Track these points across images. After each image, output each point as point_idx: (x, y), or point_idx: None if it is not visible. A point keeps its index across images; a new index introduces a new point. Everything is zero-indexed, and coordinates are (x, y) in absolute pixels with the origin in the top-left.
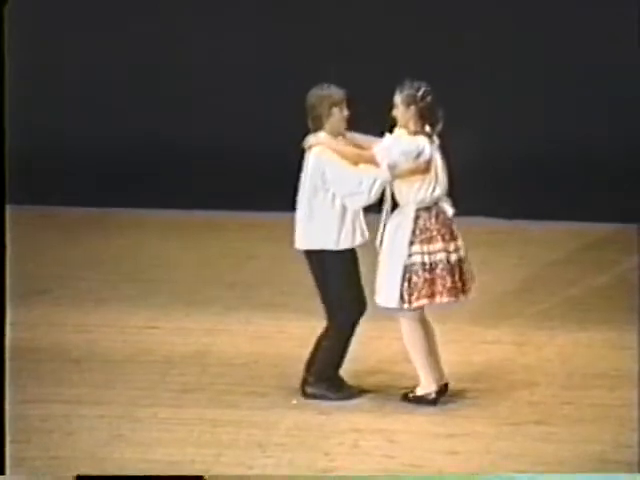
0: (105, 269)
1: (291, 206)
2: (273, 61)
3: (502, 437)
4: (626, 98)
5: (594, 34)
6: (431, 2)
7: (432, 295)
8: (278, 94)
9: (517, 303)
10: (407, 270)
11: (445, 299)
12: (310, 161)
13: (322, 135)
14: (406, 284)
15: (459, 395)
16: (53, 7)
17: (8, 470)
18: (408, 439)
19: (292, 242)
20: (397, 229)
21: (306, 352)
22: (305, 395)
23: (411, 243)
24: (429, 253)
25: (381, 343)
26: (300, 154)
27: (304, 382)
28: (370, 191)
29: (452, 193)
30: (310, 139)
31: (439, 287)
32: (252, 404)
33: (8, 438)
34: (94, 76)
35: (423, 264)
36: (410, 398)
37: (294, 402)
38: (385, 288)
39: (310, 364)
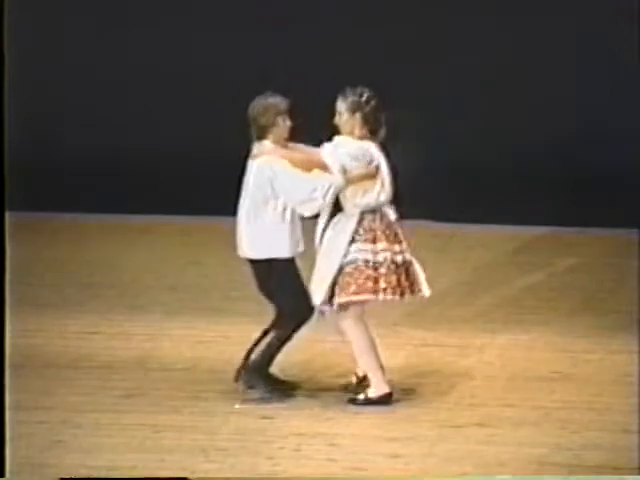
0: (45, 274)
1: (232, 211)
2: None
3: (444, 439)
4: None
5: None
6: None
7: (375, 292)
8: (214, 99)
9: (458, 306)
10: (344, 267)
11: (389, 297)
12: (258, 171)
13: (267, 144)
14: (341, 279)
15: (401, 398)
16: (54, 7)
17: (8, 474)
18: (350, 443)
19: (234, 247)
20: (339, 234)
21: None
22: (243, 382)
23: (354, 241)
24: (373, 252)
25: (325, 347)
26: (242, 158)
27: (239, 372)
28: (325, 197)
29: (394, 197)
30: (256, 149)
31: (382, 284)
32: (194, 409)
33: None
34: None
35: (366, 261)
36: (361, 400)
37: (237, 406)
38: (319, 287)
39: (249, 355)
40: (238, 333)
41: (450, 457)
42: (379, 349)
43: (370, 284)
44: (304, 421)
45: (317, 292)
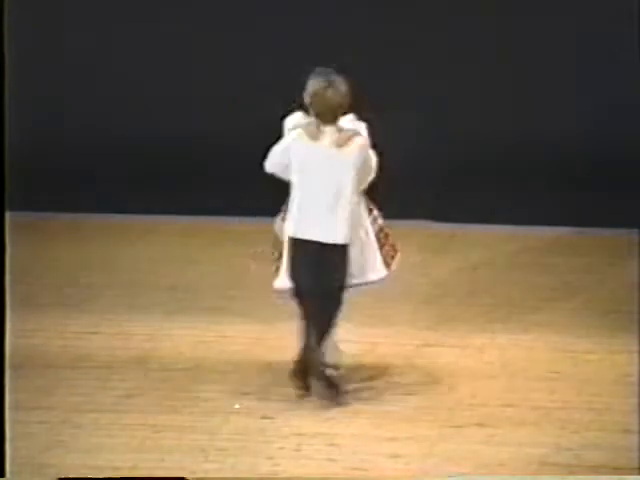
0: (45, 274)
1: (232, 211)
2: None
3: (444, 439)
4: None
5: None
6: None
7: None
8: (214, 99)
9: (458, 306)
10: (380, 235)
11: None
12: (356, 158)
13: (343, 127)
14: (383, 248)
15: (401, 398)
16: (54, 7)
17: (8, 474)
18: (350, 443)
19: (232, 247)
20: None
21: (248, 357)
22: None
23: (370, 210)
24: (381, 216)
25: None
26: (242, 158)
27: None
28: None
29: (395, 197)
30: (352, 130)
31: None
32: (194, 409)
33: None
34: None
35: (386, 225)
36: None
37: (237, 406)
38: (373, 263)
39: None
40: (238, 333)
41: (450, 457)
42: (380, 348)
43: (396, 244)
44: (304, 421)
45: (370, 269)
